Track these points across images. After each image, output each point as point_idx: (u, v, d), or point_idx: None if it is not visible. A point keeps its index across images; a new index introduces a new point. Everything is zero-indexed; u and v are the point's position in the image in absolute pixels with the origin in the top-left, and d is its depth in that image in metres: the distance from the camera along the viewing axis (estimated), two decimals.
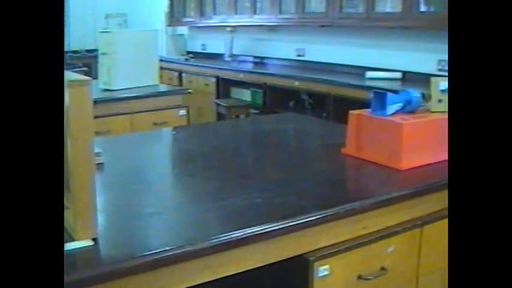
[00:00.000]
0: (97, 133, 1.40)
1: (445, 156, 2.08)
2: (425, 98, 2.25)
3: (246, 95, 6.72)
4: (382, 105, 2.14)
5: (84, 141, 1.36)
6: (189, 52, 8.49)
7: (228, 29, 7.32)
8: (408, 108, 2.20)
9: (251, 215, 1.64)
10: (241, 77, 6.51)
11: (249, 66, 6.94)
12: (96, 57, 4.72)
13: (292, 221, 1.59)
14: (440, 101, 2.22)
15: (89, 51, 8.33)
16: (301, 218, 1.62)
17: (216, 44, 7.87)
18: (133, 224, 1.58)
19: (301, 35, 6.44)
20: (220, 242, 1.46)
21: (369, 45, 5.63)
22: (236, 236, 1.49)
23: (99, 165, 2.04)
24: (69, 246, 1.38)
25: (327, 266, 1.69)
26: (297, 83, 5.66)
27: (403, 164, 2.06)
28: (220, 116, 6.62)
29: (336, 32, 5.89)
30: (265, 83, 6.12)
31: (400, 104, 2.17)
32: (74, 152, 1.35)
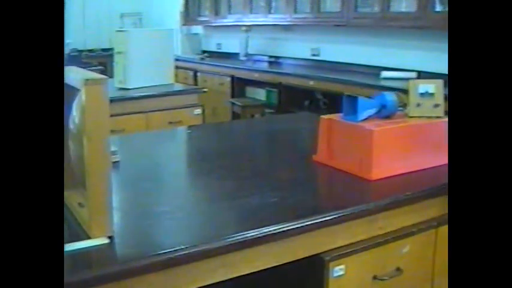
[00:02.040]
0: (112, 131, 1.40)
1: (423, 165, 2.02)
2: (401, 99, 2.10)
3: (261, 94, 6.71)
4: (354, 110, 2.01)
5: (100, 139, 1.36)
6: (204, 51, 8.50)
7: (243, 28, 7.31)
8: (384, 113, 2.07)
9: (266, 215, 1.63)
10: (256, 76, 6.51)
11: (264, 66, 6.93)
12: (111, 56, 4.73)
13: (308, 221, 1.59)
14: (418, 105, 2.09)
15: (104, 50, 8.36)
16: (317, 217, 1.61)
17: (231, 43, 7.88)
18: (148, 222, 1.58)
19: (316, 34, 6.42)
20: (234, 242, 1.46)
21: (384, 44, 5.60)
22: (251, 236, 1.48)
23: (115, 164, 2.04)
24: (84, 244, 1.38)
25: (342, 266, 1.68)
26: (311, 83, 5.65)
27: (373, 174, 1.92)
28: (235, 115, 6.63)
29: (351, 31, 5.87)
30: (280, 83, 6.12)
31: (374, 109, 2.04)
32: (90, 150, 1.35)
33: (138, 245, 1.44)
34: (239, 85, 6.91)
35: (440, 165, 2.03)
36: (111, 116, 1.38)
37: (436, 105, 2.09)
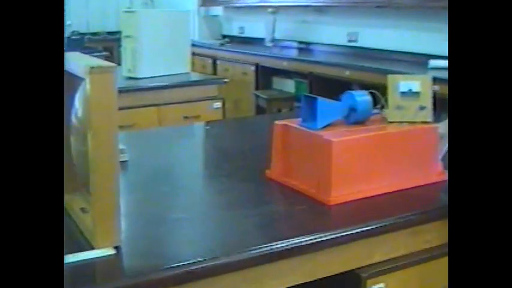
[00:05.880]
0: (120, 127, 1.42)
1: (403, 184, 1.87)
2: (378, 100, 1.95)
3: (289, 85, 6.71)
4: (314, 115, 1.83)
5: (107, 136, 1.37)
6: (224, 36, 8.53)
7: (269, 9, 7.31)
8: (354, 118, 1.89)
9: (295, 224, 1.64)
10: (284, 65, 6.50)
11: (293, 53, 6.94)
12: (118, 40, 4.77)
13: (342, 232, 1.59)
14: (399, 107, 1.92)
15: (110, 33, 8.43)
16: (352, 228, 1.61)
17: (255, 26, 7.89)
18: (161, 231, 1.60)
19: (354, 17, 6.41)
20: (260, 254, 1.46)
21: (432, 28, 5.56)
22: (278, 248, 1.48)
23: (123, 163, 2.06)
24: (87, 255, 1.40)
25: (381, 285, 1.67)
26: (347, 73, 5.63)
27: (332, 196, 1.74)
28: (259, 110, 6.63)
29: (394, 13, 5.85)
30: (311, 72, 6.10)
31: (340, 113, 1.89)
32: (95, 148, 1.37)
33: (148, 256, 1.45)
34: (265, 75, 6.91)
35: (427, 184, 1.92)
36: (119, 109, 1.39)
37: (422, 108, 1.92)
